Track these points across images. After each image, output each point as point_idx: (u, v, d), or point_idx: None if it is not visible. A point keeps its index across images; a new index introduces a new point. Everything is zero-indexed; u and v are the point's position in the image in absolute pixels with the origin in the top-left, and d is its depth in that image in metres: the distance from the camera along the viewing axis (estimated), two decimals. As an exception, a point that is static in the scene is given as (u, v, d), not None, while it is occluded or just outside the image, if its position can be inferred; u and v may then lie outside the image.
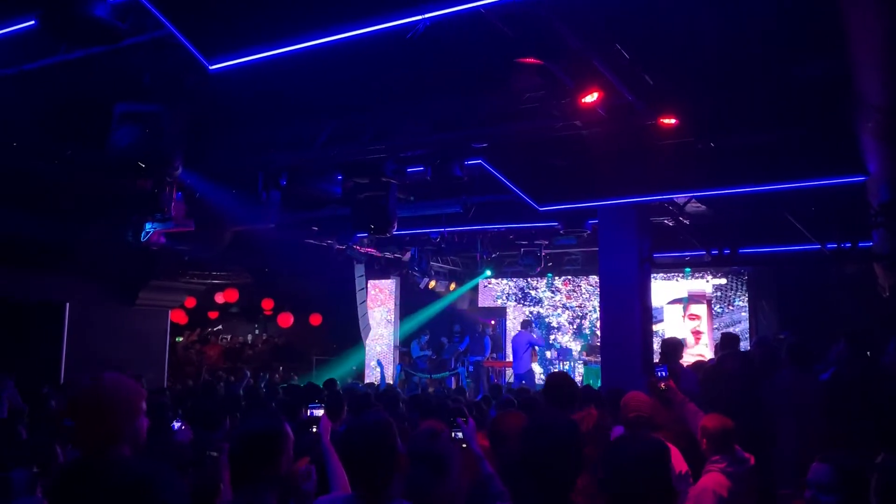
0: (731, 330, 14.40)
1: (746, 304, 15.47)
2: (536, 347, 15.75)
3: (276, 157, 8.02)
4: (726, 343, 8.37)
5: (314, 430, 3.73)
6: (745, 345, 11.90)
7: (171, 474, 2.68)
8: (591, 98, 5.50)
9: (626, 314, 8.76)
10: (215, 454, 4.70)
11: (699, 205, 10.10)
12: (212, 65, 5.03)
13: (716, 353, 9.07)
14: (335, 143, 7.69)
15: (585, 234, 11.60)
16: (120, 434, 2.59)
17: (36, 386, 8.53)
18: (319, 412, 3.87)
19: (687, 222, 10.58)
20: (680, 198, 8.85)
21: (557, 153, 7.82)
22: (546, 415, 2.87)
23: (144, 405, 2.76)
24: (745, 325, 15.38)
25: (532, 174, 8.81)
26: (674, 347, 7.57)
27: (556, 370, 14.49)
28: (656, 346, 9.44)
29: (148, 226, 8.42)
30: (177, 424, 5.23)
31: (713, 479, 3.94)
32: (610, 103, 6.08)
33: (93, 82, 5.78)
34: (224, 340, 19.30)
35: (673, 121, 6.16)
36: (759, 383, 6.48)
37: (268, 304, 18.54)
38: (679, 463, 4.07)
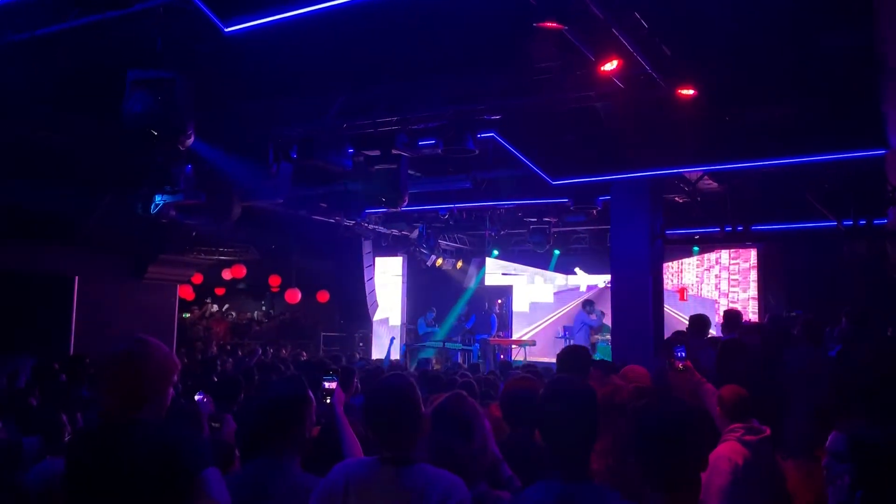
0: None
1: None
2: (592, 327, 15.87)
3: (287, 129, 7.96)
4: (730, 320, 8.37)
5: (328, 401, 3.71)
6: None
7: (196, 439, 2.68)
8: (610, 66, 5.42)
9: (638, 291, 8.71)
10: (216, 425, 4.73)
11: (711, 182, 10.03)
12: (227, 27, 4.95)
13: (722, 330, 9.04)
14: (347, 116, 7.63)
15: (595, 210, 11.55)
16: (147, 399, 2.56)
17: (44, 359, 8.52)
18: (333, 384, 3.85)
19: (690, 200, 10.53)
20: (695, 171, 8.78)
21: (572, 126, 7.74)
22: (562, 379, 2.82)
23: (176, 377, 2.74)
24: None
25: (545, 147, 8.74)
26: (701, 324, 7.55)
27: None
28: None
29: (158, 198, 8.38)
30: (198, 396, 5.24)
31: (729, 447, 3.92)
32: (628, 73, 6.00)
33: (105, 49, 5.72)
34: (230, 317, 19.32)
35: (691, 92, 6.07)
36: (776, 358, 6.46)
37: (275, 281, 18.53)
38: None
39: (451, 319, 18.23)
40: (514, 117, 7.72)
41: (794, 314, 10.77)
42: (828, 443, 2.71)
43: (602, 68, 5.48)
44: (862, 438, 2.61)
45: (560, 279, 18.89)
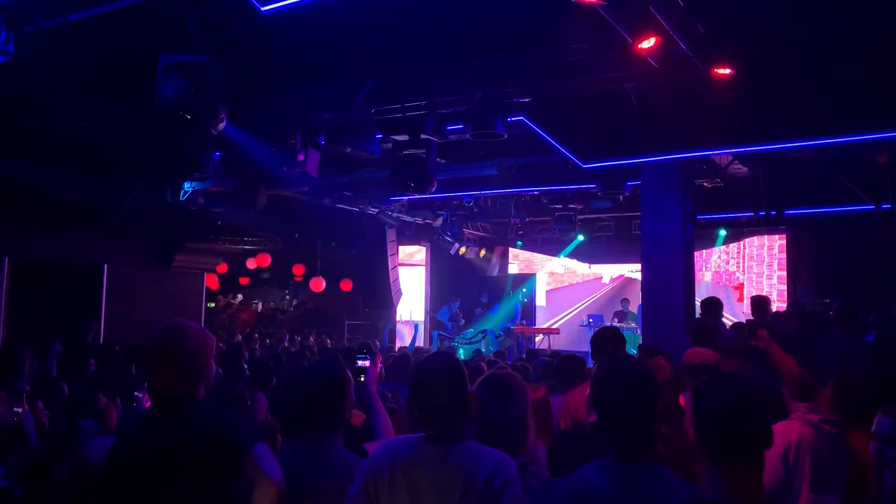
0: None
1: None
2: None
3: (315, 115, 7.93)
4: (758, 305, 8.31)
5: (362, 378, 3.70)
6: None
7: (243, 417, 2.71)
8: (647, 44, 5.33)
9: (669, 276, 8.61)
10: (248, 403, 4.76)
11: (741, 166, 9.89)
12: (264, 6, 4.92)
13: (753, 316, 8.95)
14: (375, 101, 7.59)
15: (622, 196, 11.44)
16: (193, 379, 2.62)
17: (74, 347, 8.60)
18: (366, 363, 3.84)
19: (722, 184, 10.39)
20: (728, 153, 8.64)
21: (602, 109, 7.64)
22: (617, 357, 2.76)
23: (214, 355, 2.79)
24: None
25: (576, 131, 8.64)
26: (714, 307, 7.52)
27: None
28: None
29: (186, 185, 8.42)
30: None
31: (785, 424, 3.82)
32: (662, 53, 5.89)
33: (137, 34, 5.71)
34: (255, 305, 19.43)
35: (728, 71, 5.95)
36: (813, 343, 6.38)
37: (298, 270, 18.59)
38: None
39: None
40: (544, 100, 7.63)
41: (827, 301, 10.64)
42: (874, 427, 2.67)
43: (639, 46, 5.38)
44: None
45: (582, 269, 18.78)
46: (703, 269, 16.50)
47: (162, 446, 2.46)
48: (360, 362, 3.93)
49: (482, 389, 2.85)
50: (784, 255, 15.20)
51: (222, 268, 16.32)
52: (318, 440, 3.00)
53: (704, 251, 16.35)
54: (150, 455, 2.47)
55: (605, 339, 5.05)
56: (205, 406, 2.64)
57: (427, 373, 2.69)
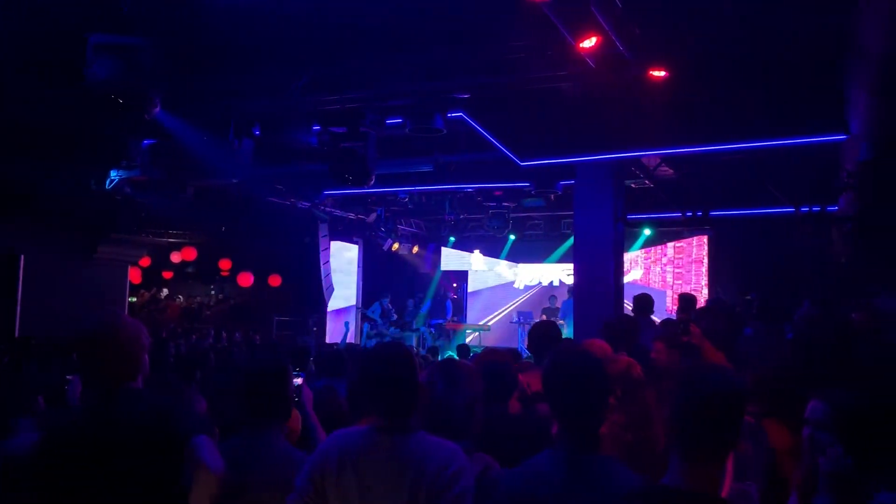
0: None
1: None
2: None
3: (251, 104, 7.74)
4: (685, 302, 8.62)
5: (296, 399, 3.59)
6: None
7: (185, 407, 2.65)
8: (589, 43, 5.42)
9: (601, 271, 8.83)
10: None
11: (668, 169, 10.23)
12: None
13: (678, 313, 9.27)
14: (313, 91, 7.46)
15: (554, 195, 11.65)
16: (138, 365, 2.61)
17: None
18: (299, 380, 3.78)
19: (652, 185, 10.72)
20: (660, 154, 8.92)
21: (542, 108, 7.74)
22: (568, 348, 2.79)
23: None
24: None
25: (514, 129, 8.74)
26: (645, 303, 7.73)
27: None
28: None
29: (113, 173, 8.09)
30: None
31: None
32: (601, 54, 6.00)
33: (67, 10, 5.43)
34: (179, 300, 18.86)
35: (663, 73, 6.12)
36: (736, 338, 6.62)
37: (225, 265, 18.16)
38: None
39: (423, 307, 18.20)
40: (483, 97, 7.68)
41: (748, 297, 11.09)
42: (808, 412, 2.69)
43: (580, 45, 5.47)
44: (846, 407, 2.63)
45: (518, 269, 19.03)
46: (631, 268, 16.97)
47: (104, 434, 2.42)
48: (296, 380, 3.85)
49: (433, 372, 2.85)
50: (706, 256, 15.77)
51: (145, 261, 15.80)
52: (262, 432, 2.96)
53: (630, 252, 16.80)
54: (92, 444, 2.41)
55: (544, 332, 5.05)
56: (145, 394, 2.60)
57: (376, 363, 2.66)
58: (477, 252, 18.58)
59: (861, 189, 7.43)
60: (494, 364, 3.73)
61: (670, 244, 16.34)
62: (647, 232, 15.28)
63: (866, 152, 6.05)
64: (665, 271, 16.67)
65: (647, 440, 3.88)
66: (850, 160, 7.53)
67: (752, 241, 13.08)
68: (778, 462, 3.53)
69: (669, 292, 15.98)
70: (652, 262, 16.97)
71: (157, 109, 5.59)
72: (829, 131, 6.89)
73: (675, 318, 9.13)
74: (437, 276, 19.03)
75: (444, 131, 7.77)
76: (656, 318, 10.28)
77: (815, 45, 5.51)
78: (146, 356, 2.69)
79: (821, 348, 5.95)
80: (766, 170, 8.89)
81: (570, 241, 15.26)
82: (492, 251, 18.57)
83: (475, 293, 19.25)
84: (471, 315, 18.91)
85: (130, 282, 13.64)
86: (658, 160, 9.99)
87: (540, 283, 18.64)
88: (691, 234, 15.65)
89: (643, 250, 16.70)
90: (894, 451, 2.41)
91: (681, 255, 16.29)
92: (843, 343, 5.83)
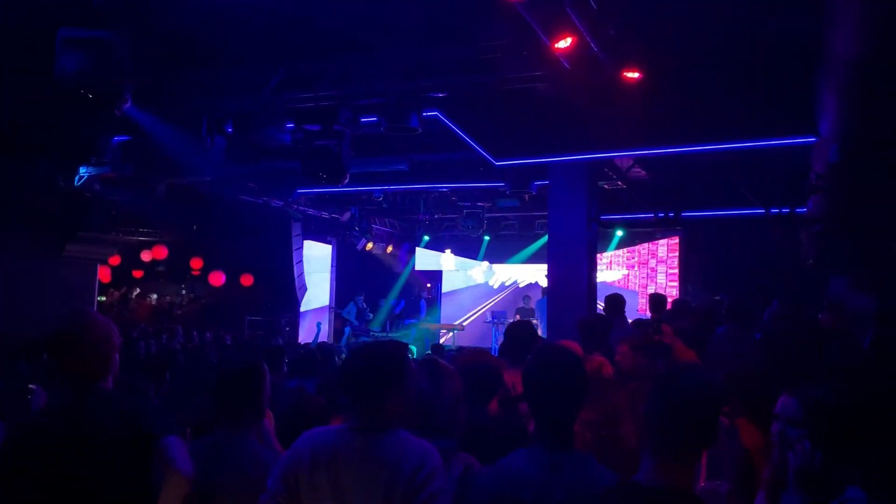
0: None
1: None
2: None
3: (224, 101, 7.65)
4: (655, 302, 8.72)
5: None
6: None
7: (157, 407, 2.62)
8: (564, 43, 5.44)
9: (574, 271, 8.89)
10: None
11: (640, 170, 10.33)
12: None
13: (650, 313, 9.37)
14: (287, 88, 7.41)
15: (528, 195, 11.70)
16: (109, 363, 2.60)
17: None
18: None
19: (625, 187, 10.82)
20: (633, 155, 9.00)
21: (517, 108, 7.76)
22: (549, 347, 2.79)
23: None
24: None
25: (490, 128, 8.75)
26: (617, 303, 7.78)
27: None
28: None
29: (82, 170, 7.94)
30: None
31: None
32: (576, 55, 6.04)
33: (35, 5, 5.31)
34: (149, 299, 18.60)
35: (636, 74, 6.16)
36: (707, 338, 6.68)
37: (197, 264, 17.95)
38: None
39: (385, 308, 18.16)
40: (459, 97, 7.68)
41: (718, 298, 11.23)
42: (778, 408, 2.70)
43: (556, 45, 5.49)
44: (817, 402, 2.66)
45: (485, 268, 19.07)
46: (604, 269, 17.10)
47: (71, 433, 2.41)
48: None
49: (417, 368, 2.81)
50: (677, 257, 15.94)
51: (115, 260, 15.55)
52: (236, 432, 2.91)
53: (602, 253, 16.94)
54: (59, 443, 2.40)
55: (522, 334, 5.02)
56: (116, 393, 2.60)
57: (360, 359, 2.61)
58: (448, 252, 18.58)
59: (830, 191, 7.56)
60: (481, 364, 3.73)
61: (644, 245, 16.50)
62: (619, 233, 15.44)
63: (835, 155, 6.15)
64: (638, 273, 16.83)
65: (616, 438, 3.92)
66: (819, 162, 7.65)
67: (722, 242, 13.27)
68: (750, 461, 3.57)
69: (643, 291, 16.15)
70: (625, 263, 17.12)
71: (128, 105, 5.49)
72: (798, 134, 7.00)
73: (647, 318, 9.26)
74: (403, 275, 18.94)
75: (420, 130, 7.75)
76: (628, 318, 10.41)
77: (786, 49, 5.59)
78: (117, 356, 2.67)
79: (789, 348, 6.04)
80: (738, 171, 9.01)
81: (542, 240, 15.45)
82: (466, 251, 18.59)
83: (450, 293, 19.27)
84: (445, 315, 18.92)
85: (100, 281, 13.40)
86: (631, 161, 10.08)
87: (515, 282, 18.70)
88: (664, 236, 15.81)
89: (618, 251, 16.85)
90: (863, 446, 2.45)
91: (654, 257, 16.46)
92: (810, 342, 5.93)
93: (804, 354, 5.62)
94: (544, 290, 16.34)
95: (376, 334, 16.14)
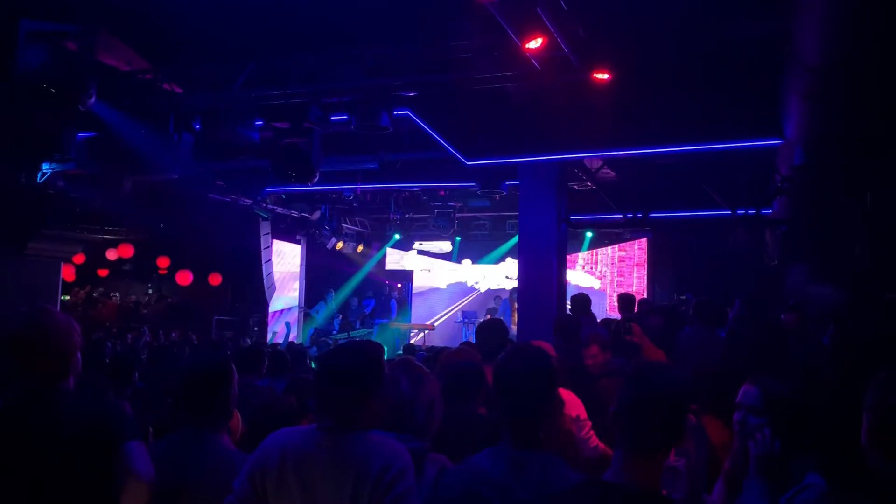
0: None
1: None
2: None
3: (192, 97, 7.55)
4: (624, 302, 8.85)
5: None
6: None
7: (120, 409, 2.56)
8: (534, 44, 5.46)
9: (544, 270, 8.94)
10: None
11: (609, 171, 10.42)
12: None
13: (619, 313, 9.48)
14: (256, 85, 7.34)
15: (499, 195, 11.73)
16: (70, 363, 2.54)
17: None
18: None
19: (594, 187, 10.91)
20: (602, 156, 9.08)
21: (488, 108, 7.79)
22: (522, 345, 2.79)
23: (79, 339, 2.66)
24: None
25: (460, 128, 8.76)
26: (583, 302, 7.86)
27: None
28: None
29: (45, 166, 7.77)
30: None
31: None
32: (545, 55, 6.07)
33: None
34: (115, 298, 18.31)
35: (606, 76, 6.22)
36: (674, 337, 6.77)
37: (163, 263, 17.72)
38: (577, 408, 4.07)
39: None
40: (430, 95, 7.67)
41: (684, 297, 11.39)
42: (740, 397, 2.74)
43: (527, 46, 5.51)
44: (777, 392, 2.70)
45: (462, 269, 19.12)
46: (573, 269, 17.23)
47: (32, 434, 2.35)
48: None
49: (395, 369, 2.80)
50: (645, 257, 16.13)
51: (79, 258, 15.28)
52: (202, 432, 2.86)
53: (572, 254, 17.06)
54: (13, 444, 2.34)
55: (493, 330, 5.02)
56: (76, 395, 2.54)
57: (333, 358, 2.59)
58: (413, 251, 18.55)
59: (794, 193, 7.70)
60: (459, 364, 3.72)
61: (613, 247, 16.66)
62: (588, 234, 15.57)
63: (800, 157, 6.26)
64: (607, 273, 16.99)
65: (581, 440, 3.94)
66: (784, 164, 7.79)
67: (689, 243, 13.45)
68: (716, 456, 3.62)
69: (611, 291, 16.30)
70: (593, 264, 17.28)
71: (93, 101, 5.39)
72: (764, 136, 7.11)
73: (617, 318, 9.37)
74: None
75: (390, 129, 7.73)
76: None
77: (752, 52, 5.68)
78: (79, 355, 2.61)
79: (752, 346, 6.14)
80: (705, 173, 9.14)
81: (513, 240, 15.52)
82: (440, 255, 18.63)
83: (420, 293, 19.26)
84: (415, 315, 18.90)
85: (64, 280, 13.13)
86: (600, 162, 10.16)
87: (484, 279, 18.77)
88: (633, 237, 15.97)
89: (587, 252, 16.99)
90: (821, 433, 2.50)
91: (623, 259, 16.63)
92: (772, 341, 6.04)
93: (766, 353, 5.72)
94: (513, 290, 16.48)
95: (337, 337, 16.02)
